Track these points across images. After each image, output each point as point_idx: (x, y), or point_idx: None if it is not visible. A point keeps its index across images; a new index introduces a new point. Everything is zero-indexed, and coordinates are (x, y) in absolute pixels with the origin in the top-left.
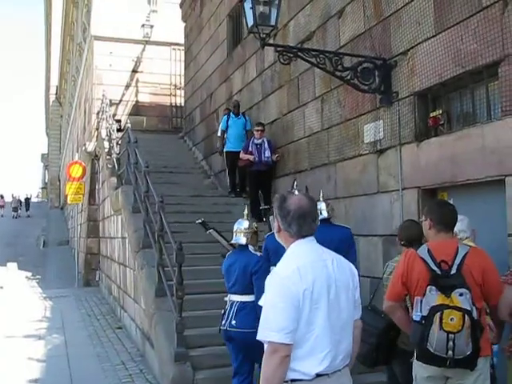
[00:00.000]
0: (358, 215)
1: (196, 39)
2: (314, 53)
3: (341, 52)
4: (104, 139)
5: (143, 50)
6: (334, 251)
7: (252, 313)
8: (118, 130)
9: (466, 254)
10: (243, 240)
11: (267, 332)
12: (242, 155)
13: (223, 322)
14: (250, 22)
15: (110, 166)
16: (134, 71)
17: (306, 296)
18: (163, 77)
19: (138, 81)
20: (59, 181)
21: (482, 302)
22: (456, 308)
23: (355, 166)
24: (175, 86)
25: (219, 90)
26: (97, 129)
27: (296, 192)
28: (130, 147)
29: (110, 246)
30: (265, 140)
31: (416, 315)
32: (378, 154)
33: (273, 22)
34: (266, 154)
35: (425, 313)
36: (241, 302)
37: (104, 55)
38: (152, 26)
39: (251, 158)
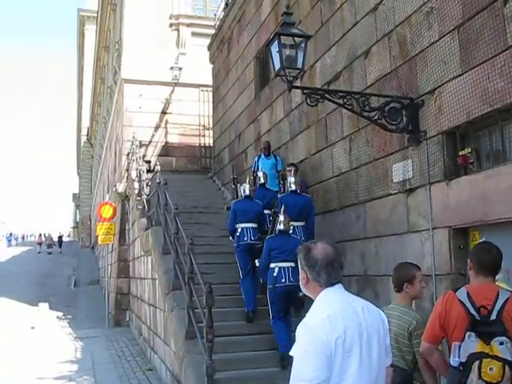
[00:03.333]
0: (388, 255)
1: (224, 80)
2: (340, 94)
3: (367, 92)
4: (134, 180)
5: (172, 91)
6: (298, 213)
7: (297, 274)
8: (148, 171)
9: (507, 300)
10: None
11: (299, 383)
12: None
13: (283, 280)
14: (277, 65)
15: (140, 207)
16: (163, 112)
17: (338, 344)
18: (192, 118)
19: (167, 122)
20: (90, 220)
21: None
22: (496, 357)
23: (384, 205)
24: (204, 126)
25: (247, 131)
26: (127, 170)
27: (244, 188)
28: (160, 189)
29: (141, 287)
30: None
31: (454, 361)
32: (407, 193)
33: (299, 65)
34: None
35: (463, 359)
36: (291, 266)
37: (134, 97)
38: (181, 68)
39: None
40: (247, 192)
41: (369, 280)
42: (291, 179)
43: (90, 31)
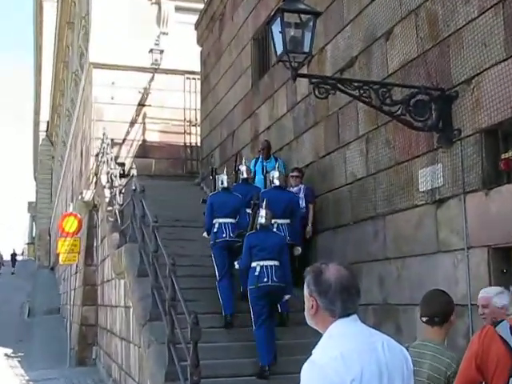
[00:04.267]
0: (413, 280)
1: (214, 66)
2: (356, 84)
3: (389, 82)
4: (104, 187)
5: (151, 79)
6: (283, 210)
7: (281, 273)
8: (122, 176)
9: None
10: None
11: None
12: None
13: (265, 280)
14: (280, 49)
15: (111, 220)
16: (141, 105)
17: None
18: (175, 111)
19: (145, 116)
20: (49, 236)
21: None
22: None
23: (408, 219)
24: (190, 122)
25: (243, 128)
26: (96, 174)
27: (222, 179)
28: (136, 197)
29: (111, 317)
30: (301, 188)
31: None
32: (436, 204)
33: (306, 49)
34: (300, 205)
35: None
36: (275, 265)
37: (104, 86)
38: (162, 51)
39: None
40: (225, 184)
41: (389, 310)
42: (275, 174)
43: (50, 2)
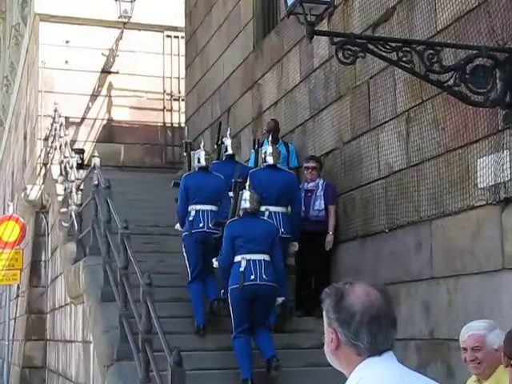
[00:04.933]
0: (470, 306)
1: (203, 21)
2: (393, 44)
3: (438, 42)
4: (56, 181)
5: (119, 37)
6: (278, 195)
7: (273, 270)
8: (80, 167)
9: None
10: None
11: None
12: None
13: (252, 277)
14: None
15: (65, 225)
16: (105, 72)
17: None
18: (151, 81)
19: (111, 87)
20: None
21: None
22: None
23: (463, 225)
24: (171, 95)
25: (242, 103)
26: (45, 164)
27: (199, 155)
28: (99, 195)
29: (64, 356)
30: (320, 183)
31: None
32: (501, 205)
33: None
34: (317, 206)
35: None
36: (265, 260)
37: (56, 46)
38: (133, 0)
39: None
40: (203, 162)
41: (438, 346)
42: (268, 149)
43: None
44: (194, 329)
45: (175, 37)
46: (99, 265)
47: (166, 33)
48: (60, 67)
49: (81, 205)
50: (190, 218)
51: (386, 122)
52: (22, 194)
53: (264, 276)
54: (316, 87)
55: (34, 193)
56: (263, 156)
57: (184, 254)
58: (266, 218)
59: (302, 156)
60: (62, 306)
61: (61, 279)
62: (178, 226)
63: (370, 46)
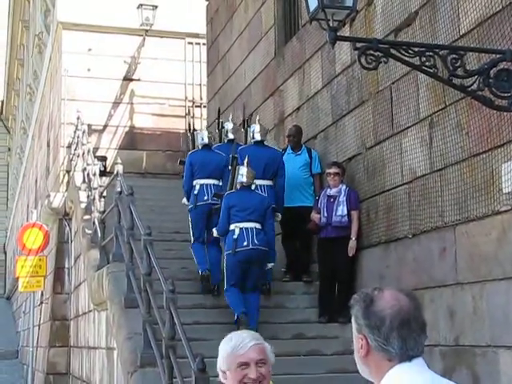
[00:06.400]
0: (496, 313)
1: (225, 28)
2: (416, 49)
3: (461, 46)
4: (79, 188)
5: (141, 45)
6: (264, 170)
7: (264, 236)
8: (103, 174)
9: None
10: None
11: None
12: (313, 214)
13: (245, 244)
14: (313, 3)
15: (88, 232)
16: (128, 79)
17: None
18: (174, 88)
19: (133, 94)
20: (4, 253)
21: None
22: None
23: (488, 230)
24: (193, 102)
25: (263, 109)
26: (68, 171)
27: (202, 135)
28: (122, 202)
29: (88, 363)
30: (342, 189)
31: None
32: None
33: (349, 2)
34: (339, 212)
35: None
36: (257, 228)
37: (79, 54)
38: (155, 8)
39: (316, 218)
40: (205, 140)
41: (463, 353)
42: (256, 127)
43: None
44: (220, 337)
45: (197, 43)
46: (122, 271)
47: (188, 40)
48: (82, 75)
49: (104, 212)
50: (195, 192)
51: (408, 127)
52: (46, 202)
53: (256, 241)
54: (338, 93)
55: (57, 200)
56: (251, 134)
57: (189, 223)
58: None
59: (324, 162)
60: (85, 313)
61: (84, 286)
62: (184, 200)
63: (393, 51)
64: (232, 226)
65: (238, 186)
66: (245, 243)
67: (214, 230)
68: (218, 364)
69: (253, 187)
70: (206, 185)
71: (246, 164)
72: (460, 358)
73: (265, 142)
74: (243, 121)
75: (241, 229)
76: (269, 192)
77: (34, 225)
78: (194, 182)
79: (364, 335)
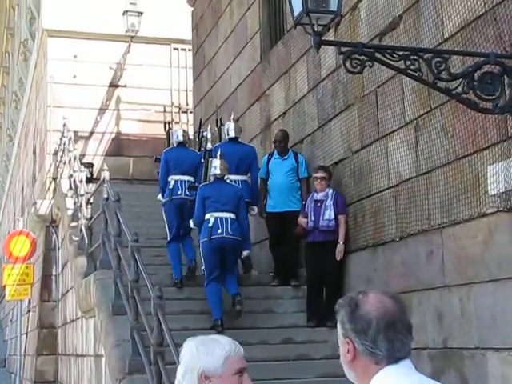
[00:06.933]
0: (483, 315)
1: (211, 33)
2: (401, 53)
3: (445, 50)
4: (66, 195)
5: (127, 51)
6: (237, 165)
7: (238, 227)
8: (89, 180)
9: None
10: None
11: None
12: (300, 219)
13: (219, 231)
14: (298, 8)
15: (75, 239)
16: (113, 85)
17: None
18: (159, 94)
19: (119, 101)
20: None
21: None
22: None
23: (474, 233)
24: (179, 108)
25: (250, 114)
26: (54, 178)
27: (177, 133)
28: (109, 208)
29: (76, 370)
30: (329, 193)
31: None
32: None
33: (334, 7)
34: (326, 216)
35: None
36: (231, 217)
37: (64, 61)
38: (141, 14)
39: (304, 222)
40: (180, 138)
41: (451, 356)
42: (230, 125)
43: None
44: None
45: (182, 49)
46: (110, 278)
47: (173, 45)
48: (68, 82)
49: (91, 218)
50: (170, 187)
51: (394, 131)
52: (32, 209)
53: (229, 230)
54: (324, 97)
55: (43, 207)
56: (226, 131)
57: (164, 217)
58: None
59: (311, 166)
60: (73, 320)
61: (72, 293)
62: (159, 196)
63: (378, 55)
64: (207, 216)
65: (212, 178)
66: (219, 231)
67: (191, 222)
68: (196, 370)
69: (227, 180)
70: (181, 181)
71: (218, 156)
72: (448, 360)
73: (239, 139)
74: (216, 120)
75: (216, 218)
76: (243, 186)
77: (21, 232)
78: (169, 178)
79: (351, 339)
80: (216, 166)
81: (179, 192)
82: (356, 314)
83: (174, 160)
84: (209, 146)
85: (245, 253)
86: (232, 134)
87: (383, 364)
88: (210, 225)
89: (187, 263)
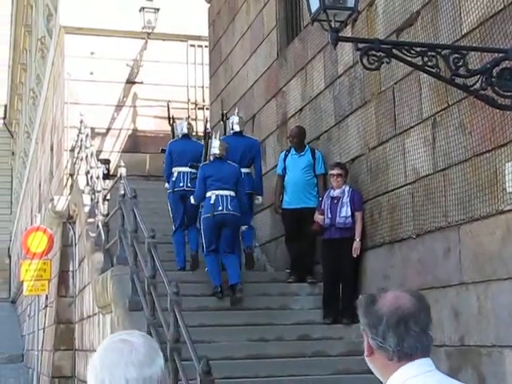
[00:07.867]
0: (501, 313)
1: (227, 30)
2: (418, 49)
3: (463, 45)
4: (83, 191)
5: (144, 48)
6: (241, 156)
7: (238, 204)
8: (106, 177)
9: None
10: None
11: None
12: (316, 216)
13: (220, 208)
14: (315, 4)
15: (92, 235)
16: (130, 82)
17: None
18: (176, 90)
19: (135, 97)
20: (9, 257)
21: None
22: None
23: (492, 230)
24: (195, 104)
25: (266, 111)
26: (71, 175)
27: (182, 125)
28: (126, 205)
29: None
30: (346, 190)
31: None
32: None
33: (351, 3)
34: (343, 213)
35: None
36: (231, 195)
37: (81, 58)
38: (157, 10)
39: (320, 219)
40: (185, 130)
41: (468, 354)
42: (234, 119)
43: None
44: (225, 339)
45: (199, 46)
46: (127, 274)
47: (190, 42)
48: (85, 79)
49: (107, 215)
50: (173, 179)
51: (411, 128)
52: (50, 205)
53: (229, 207)
54: (341, 94)
55: (61, 203)
56: (230, 125)
57: (169, 207)
58: None
59: (327, 163)
60: (90, 316)
61: (89, 289)
62: (166, 185)
63: (395, 51)
64: (209, 193)
65: (212, 158)
66: (220, 208)
67: (191, 198)
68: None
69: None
70: (184, 172)
71: (218, 137)
72: (465, 358)
73: (243, 133)
74: (222, 114)
75: (217, 195)
76: (246, 178)
77: (38, 228)
78: (173, 170)
79: (367, 336)
80: (215, 146)
81: (181, 184)
82: (370, 310)
83: (178, 152)
84: (236, 127)
85: (243, 227)
86: (237, 128)
87: (395, 360)
88: (212, 202)
89: (190, 252)
